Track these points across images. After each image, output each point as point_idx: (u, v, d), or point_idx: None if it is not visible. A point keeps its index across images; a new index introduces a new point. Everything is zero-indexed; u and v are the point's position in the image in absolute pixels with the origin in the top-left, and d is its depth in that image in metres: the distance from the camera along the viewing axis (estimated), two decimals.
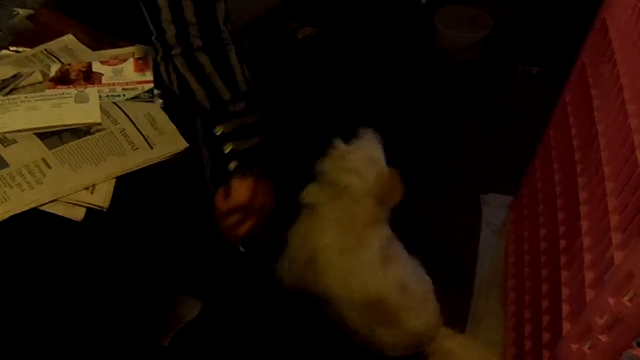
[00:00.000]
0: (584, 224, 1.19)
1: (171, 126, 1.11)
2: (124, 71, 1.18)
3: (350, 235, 1.49)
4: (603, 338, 0.95)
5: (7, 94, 1.11)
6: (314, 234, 1.52)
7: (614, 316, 0.92)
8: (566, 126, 1.46)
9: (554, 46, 2.48)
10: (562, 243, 1.30)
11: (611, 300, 0.92)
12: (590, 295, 1.05)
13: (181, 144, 1.09)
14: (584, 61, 1.44)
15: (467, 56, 2.65)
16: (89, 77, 1.16)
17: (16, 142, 1.01)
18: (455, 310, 1.74)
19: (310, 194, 1.56)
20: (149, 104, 1.14)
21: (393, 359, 1.55)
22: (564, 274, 1.23)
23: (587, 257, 1.12)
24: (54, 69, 1.17)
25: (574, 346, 1.04)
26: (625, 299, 0.89)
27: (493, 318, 1.70)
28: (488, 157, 2.24)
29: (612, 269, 0.97)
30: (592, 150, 1.24)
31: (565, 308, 1.17)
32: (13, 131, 1.02)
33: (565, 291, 1.20)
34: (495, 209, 2.02)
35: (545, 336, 1.26)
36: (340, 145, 1.55)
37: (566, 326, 1.13)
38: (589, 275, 1.08)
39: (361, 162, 1.52)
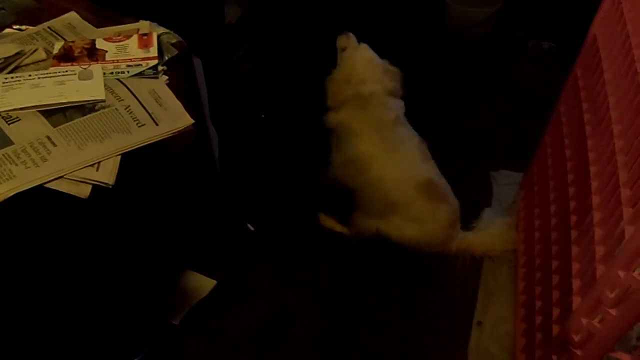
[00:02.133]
0: (595, 199, 1.17)
1: (176, 102, 1.10)
2: (128, 48, 1.17)
3: (389, 136, 1.74)
4: (613, 312, 0.94)
5: (11, 72, 1.10)
6: (351, 143, 1.77)
7: (624, 290, 0.92)
8: (577, 101, 1.43)
9: (567, 21, 2.44)
10: (573, 219, 1.29)
11: (622, 274, 0.91)
12: (601, 270, 1.04)
13: (187, 120, 1.08)
14: (595, 33, 1.41)
15: (477, 31, 2.61)
16: (92, 54, 1.15)
17: (20, 119, 1.01)
18: (466, 287, 1.74)
19: (332, 118, 1.82)
20: (153, 80, 1.12)
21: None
22: (575, 249, 1.22)
23: (598, 232, 1.11)
24: (58, 46, 1.16)
25: (584, 320, 1.03)
26: (636, 272, 0.88)
27: (503, 294, 1.70)
28: (497, 133, 2.22)
29: (622, 243, 0.96)
30: (604, 124, 1.22)
31: (576, 283, 1.16)
32: (17, 109, 1.02)
33: (575, 266, 1.19)
34: (505, 186, 2.01)
35: (555, 311, 1.25)
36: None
37: (576, 301, 1.12)
38: (599, 250, 1.07)
39: (370, 67, 1.78)
